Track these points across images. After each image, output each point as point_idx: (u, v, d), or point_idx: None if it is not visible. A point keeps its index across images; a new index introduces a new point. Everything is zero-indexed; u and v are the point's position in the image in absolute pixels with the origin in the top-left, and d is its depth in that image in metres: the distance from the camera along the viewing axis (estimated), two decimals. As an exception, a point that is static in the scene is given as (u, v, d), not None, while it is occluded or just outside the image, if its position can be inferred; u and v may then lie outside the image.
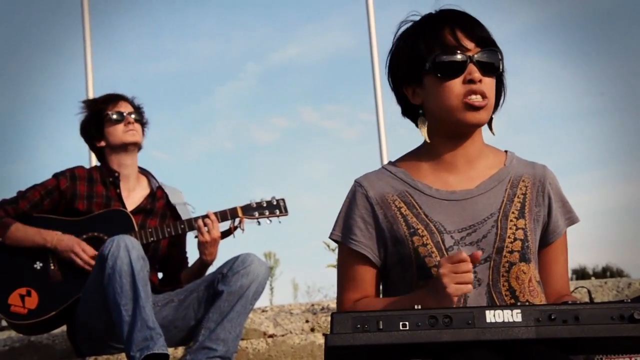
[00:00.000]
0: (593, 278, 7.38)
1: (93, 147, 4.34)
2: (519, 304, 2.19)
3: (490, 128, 2.31)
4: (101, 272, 3.53)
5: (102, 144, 4.18)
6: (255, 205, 4.07)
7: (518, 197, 2.30)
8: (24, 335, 4.43)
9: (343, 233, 2.28)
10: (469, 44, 2.16)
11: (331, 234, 2.31)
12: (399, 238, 2.22)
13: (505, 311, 1.85)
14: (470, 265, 2.01)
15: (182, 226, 4.04)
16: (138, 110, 4.31)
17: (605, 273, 8.07)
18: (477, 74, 2.13)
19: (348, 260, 2.29)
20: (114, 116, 4.15)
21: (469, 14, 2.27)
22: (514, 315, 1.84)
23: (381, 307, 2.18)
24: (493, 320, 1.83)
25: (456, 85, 2.15)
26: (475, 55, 2.16)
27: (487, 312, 1.84)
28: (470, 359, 1.82)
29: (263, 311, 5.01)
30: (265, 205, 4.09)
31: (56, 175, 4.05)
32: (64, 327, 4.06)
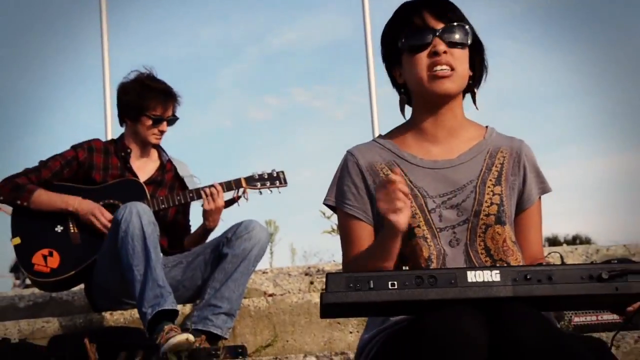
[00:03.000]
0: (564, 245, 7.48)
1: (119, 114, 4.28)
2: (496, 264, 2.26)
3: (474, 102, 2.38)
4: (115, 236, 3.60)
5: (128, 123, 4.21)
6: (257, 177, 4.11)
7: (496, 167, 2.34)
8: (45, 292, 4.51)
9: (337, 198, 2.33)
10: (436, 23, 2.22)
11: (325, 199, 2.36)
12: None
13: (485, 272, 1.88)
14: (401, 188, 2.05)
15: (191, 195, 4.09)
16: (174, 115, 4.28)
17: (575, 241, 8.18)
18: (441, 47, 2.19)
19: (345, 222, 2.33)
20: (154, 117, 4.14)
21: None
22: (492, 276, 1.88)
23: (366, 253, 2.26)
24: (474, 280, 1.88)
25: (422, 58, 2.21)
26: (440, 30, 2.21)
27: (468, 272, 1.88)
28: (453, 315, 1.83)
29: (264, 273, 5.04)
30: (266, 176, 4.12)
31: (74, 147, 4.09)
32: (82, 285, 4.12)
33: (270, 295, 4.54)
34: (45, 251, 3.95)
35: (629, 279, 1.85)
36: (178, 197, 4.09)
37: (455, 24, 2.24)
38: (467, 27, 2.27)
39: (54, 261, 3.94)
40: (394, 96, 2.48)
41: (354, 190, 2.33)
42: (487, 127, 2.40)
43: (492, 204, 2.27)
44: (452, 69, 2.21)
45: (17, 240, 4.00)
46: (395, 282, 1.86)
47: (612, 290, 1.86)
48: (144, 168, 4.23)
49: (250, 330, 3.93)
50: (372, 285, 1.85)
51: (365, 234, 2.31)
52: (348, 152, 2.36)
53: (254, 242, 3.75)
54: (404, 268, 2.10)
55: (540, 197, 2.38)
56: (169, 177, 4.28)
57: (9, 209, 4.13)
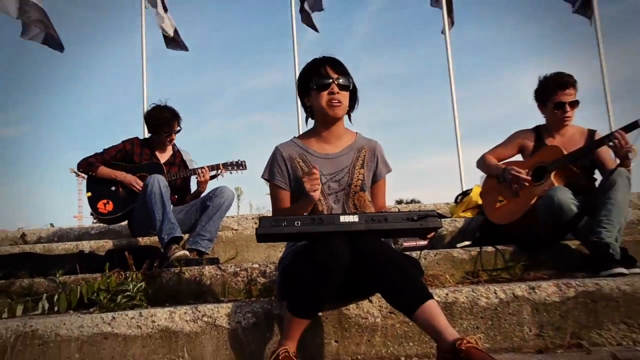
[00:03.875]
0: (404, 204, 7.93)
1: (148, 129, 4.83)
2: (358, 212, 2.58)
3: (350, 119, 2.72)
4: (145, 193, 4.18)
5: (152, 134, 4.76)
6: (229, 163, 4.69)
7: (361, 157, 2.66)
8: (105, 225, 5.10)
9: (269, 175, 2.65)
10: (333, 74, 2.56)
11: (262, 175, 2.69)
12: (298, 178, 2.56)
13: (350, 216, 2.26)
14: (317, 177, 2.41)
15: (190, 172, 4.72)
16: (179, 127, 4.79)
17: (411, 202, 8.61)
18: (335, 89, 2.55)
19: (273, 189, 2.65)
20: (166, 133, 4.71)
21: (335, 57, 2.66)
22: (354, 218, 2.25)
23: (289, 211, 2.57)
24: (344, 221, 2.24)
25: (324, 95, 2.56)
26: (335, 80, 2.56)
27: (341, 216, 2.25)
28: (331, 241, 2.19)
29: (232, 217, 5.39)
30: (234, 163, 4.71)
31: (124, 142, 4.76)
32: (126, 222, 4.74)
33: (235, 229, 5.08)
34: (104, 201, 4.64)
35: (428, 220, 2.31)
36: (182, 174, 4.69)
37: (344, 75, 2.59)
38: (350, 78, 2.61)
39: (109, 207, 4.61)
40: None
41: (279, 170, 2.63)
42: (357, 133, 2.74)
43: (358, 179, 2.62)
44: (341, 102, 2.56)
45: (89, 194, 4.66)
46: (299, 222, 2.22)
47: (419, 226, 2.29)
48: (163, 155, 4.82)
49: (222, 249, 4.38)
50: (285, 224, 2.22)
51: (285, 197, 2.64)
52: (276, 147, 2.66)
53: (224, 199, 4.26)
54: (305, 214, 2.40)
55: (385, 176, 2.74)
56: (178, 160, 4.86)
57: (85, 176, 4.70)
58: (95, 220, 6.00)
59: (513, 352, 2.44)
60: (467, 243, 3.84)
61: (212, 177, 4.71)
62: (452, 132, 8.21)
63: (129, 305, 2.88)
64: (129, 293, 2.94)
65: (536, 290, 2.55)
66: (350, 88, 2.62)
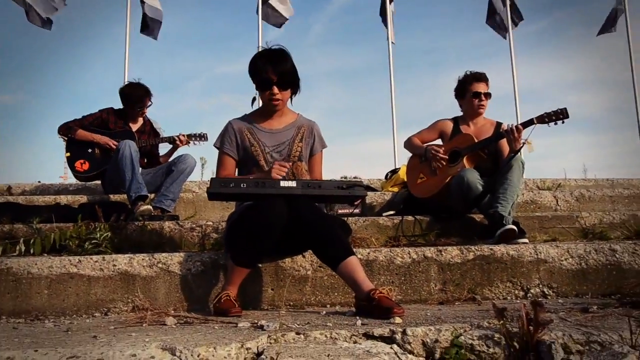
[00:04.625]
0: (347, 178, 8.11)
1: (122, 103, 4.67)
2: (296, 178, 2.58)
3: (291, 102, 2.71)
4: (117, 156, 4.09)
5: (127, 107, 4.63)
6: (194, 134, 4.67)
7: (300, 134, 2.69)
8: (81, 182, 4.95)
9: (221, 144, 2.66)
10: (274, 76, 2.52)
11: (214, 143, 2.70)
12: (246, 148, 2.63)
13: (289, 182, 2.33)
14: (286, 169, 2.44)
15: (159, 141, 4.69)
16: (150, 102, 4.66)
17: (354, 179, 8.75)
18: (275, 90, 2.55)
19: (221, 157, 2.67)
20: (138, 108, 4.60)
21: (278, 52, 2.55)
22: (292, 183, 2.33)
23: (240, 177, 2.56)
24: (284, 185, 2.31)
25: (266, 95, 2.60)
26: (275, 81, 2.54)
27: (281, 182, 2.32)
28: (271, 202, 2.22)
29: (194, 182, 5.43)
30: (198, 134, 4.68)
31: (100, 110, 4.66)
32: (100, 180, 4.63)
33: (196, 192, 5.06)
34: (81, 161, 4.55)
35: (355, 189, 2.39)
36: (152, 141, 4.64)
37: (285, 75, 2.53)
38: (290, 74, 2.56)
39: (86, 166, 4.53)
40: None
41: (229, 140, 2.66)
42: (298, 114, 2.75)
43: (296, 151, 2.66)
44: (280, 99, 2.60)
45: (68, 154, 4.55)
46: (245, 184, 2.30)
47: (347, 194, 2.38)
48: (135, 124, 4.73)
49: (183, 209, 4.38)
50: (232, 185, 2.30)
51: (229, 164, 2.67)
52: (229, 121, 2.69)
53: (187, 165, 4.22)
54: (250, 177, 2.46)
55: (322, 150, 2.78)
56: (148, 128, 4.77)
57: (66, 139, 4.58)
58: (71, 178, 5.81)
59: (421, 303, 2.51)
60: (392, 212, 3.89)
61: (172, 142, 4.70)
62: (389, 121, 8.43)
63: (95, 251, 2.86)
64: (96, 241, 2.93)
65: (443, 253, 2.61)
66: (292, 83, 2.59)
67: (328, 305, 2.47)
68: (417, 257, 2.59)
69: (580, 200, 4.39)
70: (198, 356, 1.46)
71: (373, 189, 4.80)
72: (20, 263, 2.46)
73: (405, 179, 4.20)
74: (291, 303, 2.47)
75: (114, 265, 2.48)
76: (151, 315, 2.12)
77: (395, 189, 4.68)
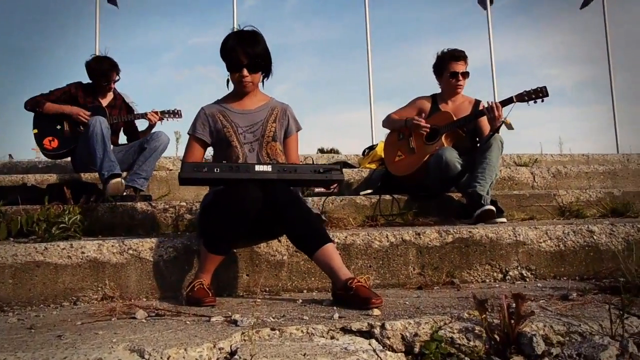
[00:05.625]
0: (324, 154, 8.15)
1: (89, 78, 4.51)
2: (272, 162, 2.50)
3: (263, 86, 2.66)
4: (87, 133, 3.97)
5: (95, 81, 4.46)
6: (167, 111, 4.51)
7: (274, 115, 2.64)
8: (50, 160, 4.82)
9: (192, 130, 2.61)
10: (244, 59, 2.48)
11: (188, 131, 2.64)
12: (219, 130, 2.57)
13: (264, 165, 2.27)
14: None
15: (132, 117, 4.54)
16: (117, 77, 4.52)
17: (331, 151, 8.70)
18: (245, 73, 2.51)
19: (190, 142, 2.63)
20: (106, 82, 4.45)
21: (249, 34, 2.50)
22: (267, 167, 2.26)
23: (210, 162, 2.37)
24: (259, 170, 2.25)
25: (236, 76, 2.54)
26: (246, 65, 2.50)
27: (256, 165, 2.26)
28: (245, 187, 2.17)
29: (168, 158, 5.36)
30: (172, 111, 4.52)
31: (69, 85, 4.49)
32: (69, 158, 4.49)
33: (170, 170, 4.99)
34: (50, 138, 4.37)
35: (332, 173, 2.33)
36: (124, 117, 4.49)
37: (255, 58, 2.48)
38: (262, 57, 2.51)
39: (55, 144, 4.36)
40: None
41: (201, 126, 2.61)
42: (271, 97, 2.71)
43: (271, 131, 2.61)
44: (250, 82, 2.56)
45: (35, 131, 4.37)
46: (218, 168, 2.23)
47: (324, 178, 2.33)
48: (105, 99, 4.56)
49: (156, 187, 4.31)
50: (206, 170, 2.21)
51: (198, 151, 2.63)
52: (202, 108, 2.64)
53: (160, 142, 4.14)
54: (223, 162, 2.39)
55: (297, 132, 2.74)
56: (119, 103, 4.60)
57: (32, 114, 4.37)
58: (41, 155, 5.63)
59: (399, 288, 2.47)
60: (369, 191, 3.86)
61: (145, 118, 4.57)
62: (366, 93, 8.34)
63: (63, 236, 2.74)
64: (64, 225, 2.80)
65: (421, 236, 2.56)
66: (263, 66, 2.54)
67: (305, 291, 2.43)
68: (395, 240, 2.54)
69: (557, 177, 4.39)
70: (168, 358, 1.38)
71: (351, 166, 4.76)
72: (-19, 251, 2.33)
73: (383, 156, 4.13)
74: (267, 289, 2.43)
75: (83, 253, 2.38)
76: (121, 307, 2.04)
77: (373, 166, 4.63)
